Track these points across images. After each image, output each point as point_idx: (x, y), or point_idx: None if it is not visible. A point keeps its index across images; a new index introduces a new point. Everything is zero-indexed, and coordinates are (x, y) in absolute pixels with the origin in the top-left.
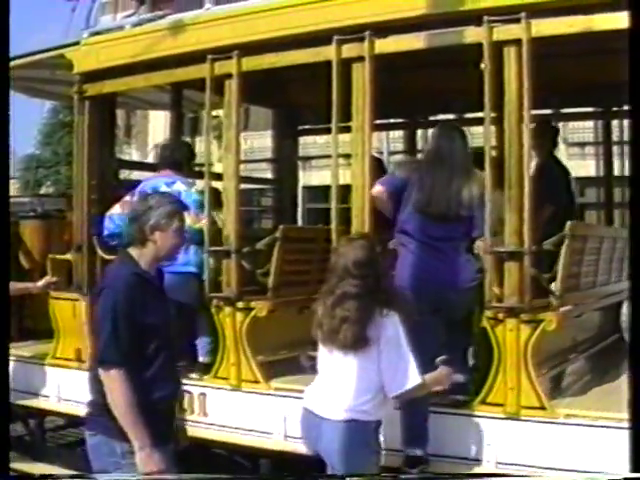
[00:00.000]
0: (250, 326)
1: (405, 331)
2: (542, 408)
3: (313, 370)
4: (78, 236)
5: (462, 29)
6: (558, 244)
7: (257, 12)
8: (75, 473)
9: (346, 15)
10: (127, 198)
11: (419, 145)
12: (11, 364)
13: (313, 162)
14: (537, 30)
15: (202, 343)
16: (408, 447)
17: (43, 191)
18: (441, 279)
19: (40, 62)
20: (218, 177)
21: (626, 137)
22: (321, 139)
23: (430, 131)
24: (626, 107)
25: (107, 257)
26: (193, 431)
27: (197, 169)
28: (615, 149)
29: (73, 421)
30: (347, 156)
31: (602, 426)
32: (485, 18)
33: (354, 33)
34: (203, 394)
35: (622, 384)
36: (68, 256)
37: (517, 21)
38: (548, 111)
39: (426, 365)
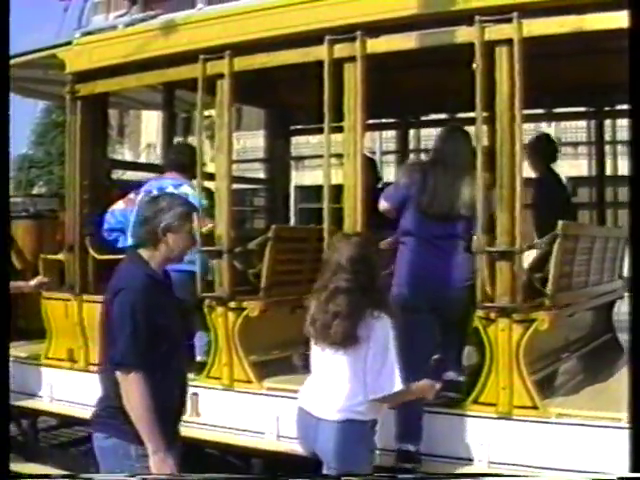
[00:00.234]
0: (242, 326)
1: (395, 335)
2: (534, 408)
3: (306, 369)
4: (70, 236)
5: (454, 29)
6: (550, 244)
7: (249, 12)
8: (68, 473)
9: (338, 15)
10: (131, 196)
11: (411, 145)
12: None
13: (305, 162)
14: (529, 30)
15: (201, 342)
16: (401, 442)
17: (35, 191)
18: (439, 275)
19: (33, 62)
20: (210, 177)
21: (618, 137)
22: (314, 139)
23: (422, 131)
24: (618, 107)
25: (99, 257)
26: (186, 431)
27: None
28: (607, 149)
29: (66, 421)
30: (339, 156)
31: (594, 425)
32: (477, 18)
33: (346, 33)
34: (195, 394)
35: (614, 383)
36: (60, 256)
37: (509, 21)
38: (540, 111)
39: (420, 363)
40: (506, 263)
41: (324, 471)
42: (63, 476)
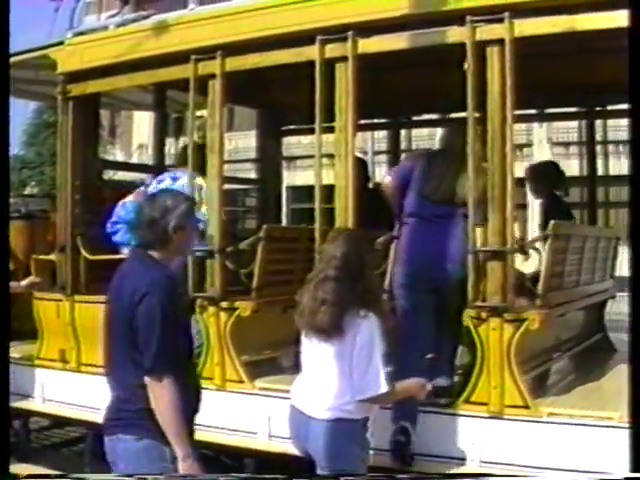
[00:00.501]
0: (234, 326)
1: (381, 337)
2: (526, 407)
3: (295, 370)
4: (62, 236)
5: (445, 29)
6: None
7: (240, 12)
8: (63, 473)
9: (329, 15)
10: (140, 189)
11: (403, 145)
12: None
13: (297, 162)
14: (520, 30)
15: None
16: (398, 421)
17: (27, 191)
18: (440, 252)
19: (24, 62)
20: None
21: (609, 137)
22: (305, 139)
23: (414, 131)
24: (609, 107)
25: (91, 257)
26: None
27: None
28: (598, 149)
29: (58, 422)
30: (331, 156)
31: (585, 424)
32: (468, 18)
33: (337, 33)
34: None
35: (605, 383)
36: (52, 256)
37: (500, 21)
38: (532, 111)
39: (419, 343)
40: (497, 263)
41: (318, 471)
42: (62, 476)
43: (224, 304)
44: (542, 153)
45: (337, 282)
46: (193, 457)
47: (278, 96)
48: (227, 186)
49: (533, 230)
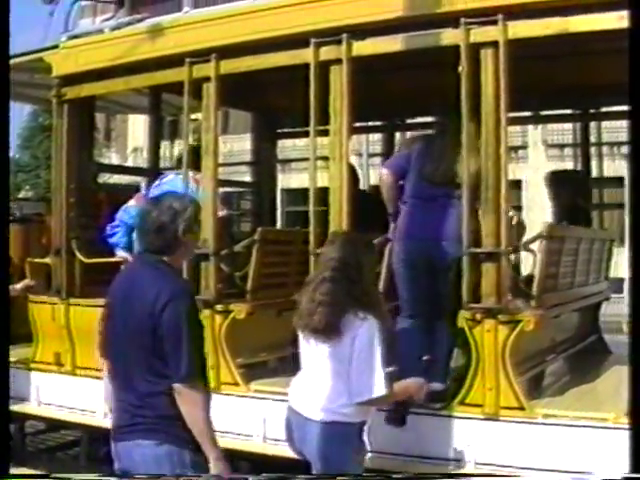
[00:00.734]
0: (229, 329)
1: (381, 339)
2: (521, 408)
3: (287, 373)
4: (57, 240)
5: (439, 31)
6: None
7: (235, 15)
8: (57, 475)
9: (323, 18)
10: (141, 193)
11: (397, 147)
12: None
13: (292, 165)
14: (514, 32)
15: None
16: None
17: (22, 195)
18: (436, 229)
19: (19, 65)
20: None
21: (604, 139)
22: (301, 142)
23: (408, 133)
24: (604, 109)
25: (86, 260)
26: None
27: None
28: (593, 150)
29: (53, 425)
30: (326, 159)
31: (581, 426)
32: (462, 20)
33: (332, 35)
34: None
35: (600, 384)
36: (47, 260)
37: (494, 23)
38: (527, 113)
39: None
40: (492, 264)
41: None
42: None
43: (219, 307)
44: (537, 155)
45: (334, 284)
46: (225, 459)
47: (273, 99)
48: (222, 189)
49: None
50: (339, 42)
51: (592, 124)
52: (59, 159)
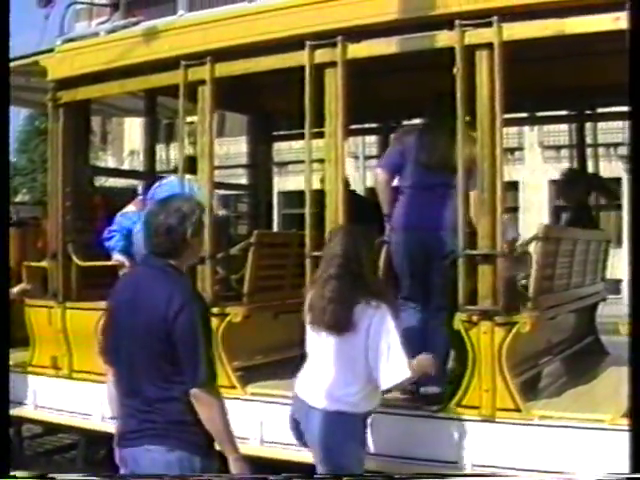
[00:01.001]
0: (225, 332)
1: (396, 325)
2: (517, 410)
3: (284, 377)
4: (53, 243)
5: (434, 33)
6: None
7: (230, 18)
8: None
9: (318, 20)
10: (139, 199)
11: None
12: None
13: (289, 167)
14: (509, 34)
15: None
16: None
17: (19, 199)
18: (432, 217)
19: (15, 69)
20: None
21: (599, 139)
22: (296, 144)
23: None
24: (599, 110)
25: (82, 264)
26: None
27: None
28: (589, 151)
29: (50, 429)
30: (322, 161)
31: (577, 427)
32: (457, 22)
33: (326, 38)
34: None
35: (597, 385)
36: (43, 263)
37: (489, 25)
38: (523, 114)
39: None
40: (488, 266)
41: (318, 470)
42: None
43: (215, 310)
44: (533, 157)
45: (339, 280)
46: (244, 459)
47: (268, 101)
48: (218, 192)
49: None
50: (334, 45)
51: (588, 125)
52: (55, 162)
